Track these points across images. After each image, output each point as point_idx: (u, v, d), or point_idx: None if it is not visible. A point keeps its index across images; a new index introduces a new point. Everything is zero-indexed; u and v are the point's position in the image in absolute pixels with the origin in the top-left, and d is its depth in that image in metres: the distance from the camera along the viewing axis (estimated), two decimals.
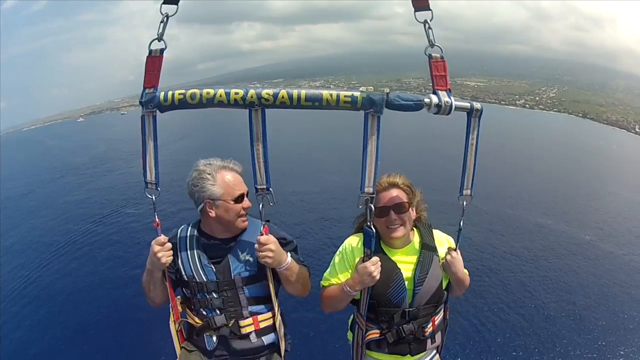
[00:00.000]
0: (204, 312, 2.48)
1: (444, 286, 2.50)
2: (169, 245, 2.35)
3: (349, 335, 2.69)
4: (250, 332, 2.48)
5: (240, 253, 2.43)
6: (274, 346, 2.57)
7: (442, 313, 2.59)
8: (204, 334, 2.50)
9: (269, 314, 2.51)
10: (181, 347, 2.59)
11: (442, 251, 2.49)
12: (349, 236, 2.58)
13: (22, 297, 10.88)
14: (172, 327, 2.55)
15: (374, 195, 2.08)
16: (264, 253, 2.24)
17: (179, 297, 2.57)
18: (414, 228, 2.55)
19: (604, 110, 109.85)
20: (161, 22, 2.07)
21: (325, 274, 2.56)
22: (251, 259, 2.42)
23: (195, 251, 2.45)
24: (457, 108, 2.05)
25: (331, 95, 1.94)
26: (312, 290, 2.63)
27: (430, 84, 2.06)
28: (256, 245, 2.27)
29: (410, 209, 2.41)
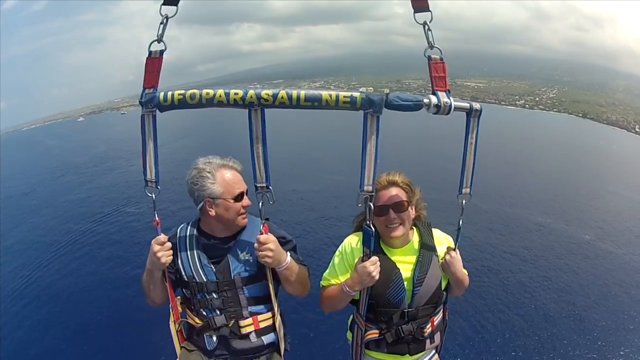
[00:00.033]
0: (204, 313, 2.48)
1: (443, 286, 2.50)
2: (169, 244, 2.35)
3: (349, 335, 2.69)
4: (250, 332, 2.49)
5: (239, 253, 2.44)
6: (274, 346, 2.58)
7: (441, 313, 2.59)
8: (204, 334, 2.51)
9: (269, 314, 2.52)
10: (181, 347, 2.59)
11: (441, 251, 2.50)
12: (348, 235, 2.59)
13: (22, 297, 10.89)
14: (172, 327, 2.56)
15: (373, 194, 2.09)
16: (263, 252, 2.25)
17: (178, 297, 2.57)
18: (414, 227, 2.55)
19: (604, 110, 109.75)
20: (161, 23, 2.08)
21: (324, 274, 2.56)
22: (251, 259, 2.42)
23: (195, 251, 2.45)
24: (456, 108, 2.05)
25: (330, 95, 1.94)
26: (312, 291, 2.63)
27: (430, 85, 2.07)
28: (256, 245, 2.27)
29: (409, 208, 2.40)
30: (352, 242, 2.49)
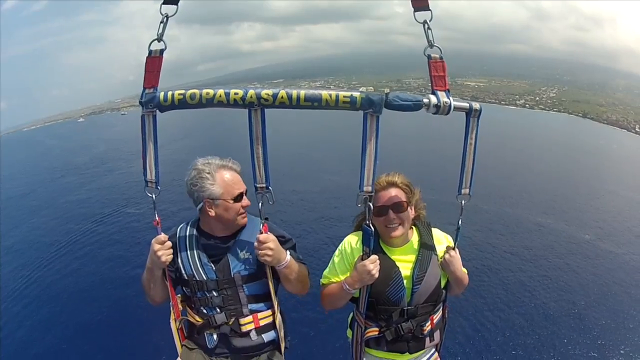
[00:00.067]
0: (204, 311, 2.48)
1: (442, 285, 2.50)
2: (169, 243, 2.35)
3: (349, 333, 2.70)
4: (251, 330, 2.49)
5: (239, 251, 2.44)
6: (274, 343, 2.59)
7: (440, 312, 2.60)
8: (205, 332, 2.51)
9: (269, 312, 2.52)
10: (182, 345, 2.60)
11: (440, 250, 2.50)
12: (348, 235, 2.60)
13: (23, 297, 10.91)
14: (173, 326, 2.56)
15: (373, 194, 2.10)
16: (263, 251, 2.26)
17: (179, 295, 2.58)
18: (413, 226, 2.55)
19: (604, 110, 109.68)
20: (161, 22, 2.07)
21: (324, 272, 2.57)
22: (250, 257, 2.43)
23: (195, 250, 2.45)
24: (456, 108, 2.06)
25: (330, 95, 1.95)
26: (312, 290, 2.64)
27: (430, 85, 2.08)
28: (255, 244, 2.28)
29: (408, 208, 2.41)
30: (352, 241, 2.50)
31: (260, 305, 2.51)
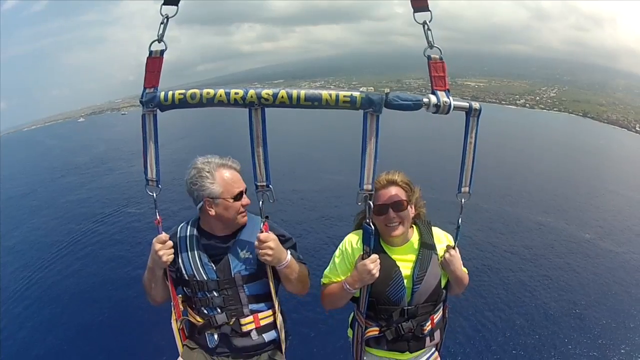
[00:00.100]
0: (205, 311, 2.48)
1: (442, 284, 2.50)
2: (170, 243, 2.36)
3: (349, 332, 2.70)
4: (251, 330, 2.49)
5: (240, 251, 2.44)
6: (275, 343, 2.59)
7: (441, 311, 2.60)
8: (206, 332, 2.51)
9: (270, 312, 2.53)
10: (183, 345, 2.60)
11: (441, 249, 2.50)
12: (349, 234, 2.60)
13: (24, 298, 10.92)
14: (174, 326, 2.56)
15: (373, 193, 2.11)
16: (263, 251, 2.26)
17: (180, 295, 2.57)
18: (413, 225, 2.55)
19: (604, 109, 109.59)
20: (161, 23, 2.08)
21: (325, 272, 2.57)
22: (251, 257, 2.43)
23: (195, 250, 2.45)
24: (456, 108, 2.07)
25: (330, 95, 1.95)
26: (312, 290, 2.64)
27: (430, 85, 2.08)
28: (256, 243, 2.28)
29: (409, 207, 2.41)
30: (353, 240, 2.50)
31: (261, 305, 2.51)
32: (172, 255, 2.37)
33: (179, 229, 2.55)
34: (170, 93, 2.03)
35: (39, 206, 20.99)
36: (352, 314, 2.68)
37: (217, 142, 36.63)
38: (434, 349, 2.68)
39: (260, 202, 2.20)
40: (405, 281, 2.40)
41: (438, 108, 2.01)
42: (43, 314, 10.05)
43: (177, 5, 2.09)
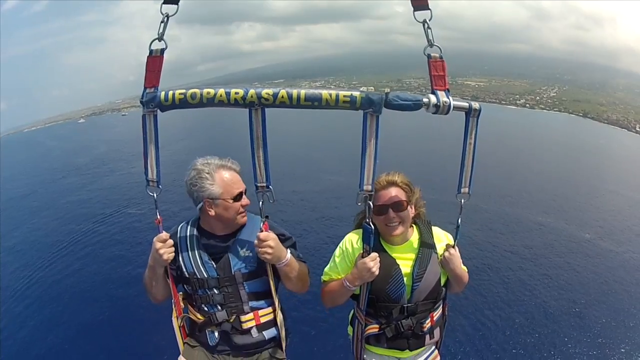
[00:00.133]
0: (206, 308, 2.50)
1: (442, 282, 2.52)
2: (171, 241, 2.38)
3: (349, 330, 2.72)
4: (252, 327, 2.51)
5: (240, 249, 2.46)
6: (275, 340, 2.61)
7: (440, 309, 2.61)
8: (206, 329, 2.53)
9: (270, 309, 2.54)
10: (184, 343, 2.61)
11: (441, 248, 2.51)
12: (349, 233, 2.61)
13: (25, 297, 10.93)
14: (175, 323, 2.58)
15: (373, 193, 2.12)
16: (263, 249, 2.27)
17: (180, 293, 2.59)
18: (413, 225, 2.57)
19: (604, 109, 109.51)
20: (161, 22, 2.08)
21: (325, 270, 2.59)
22: (251, 255, 2.44)
23: (195, 249, 2.47)
24: (456, 108, 2.07)
25: (330, 95, 1.96)
26: (312, 289, 2.66)
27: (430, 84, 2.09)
28: (256, 242, 2.30)
29: (408, 207, 2.42)
30: (353, 239, 2.52)
31: (261, 302, 2.53)
32: (173, 254, 2.39)
33: (179, 228, 2.57)
34: (170, 93, 2.03)
35: (40, 207, 20.98)
36: (352, 312, 2.69)
37: (217, 143, 36.66)
38: (433, 346, 2.70)
39: (260, 203, 2.22)
40: (405, 279, 2.42)
41: (438, 108, 2.01)
42: (44, 313, 10.06)
43: (177, 4, 2.09)
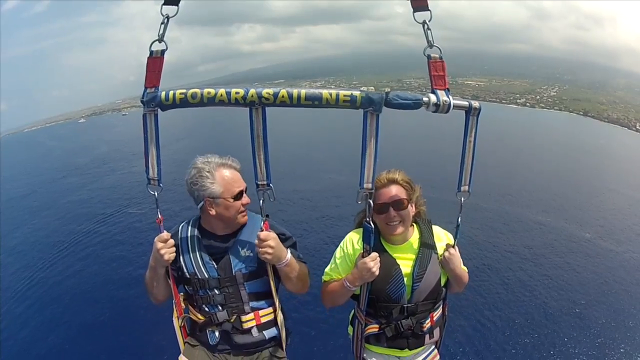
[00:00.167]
0: (206, 309, 2.51)
1: (442, 282, 2.52)
2: (172, 241, 2.38)
3: (350, 329, 2.73)
4: (252, 327, 2.51)
5: (240, 249, 2.47)
6: (276, 340, 2.61)
7: (440, 309, 2.61)
8: (207, 329, 2.53)
9: (270, 309, 2.55)
10: (185, 343, 2.62)
11: (441, 247, 2.51)
12: (349, 232, 2.61)
13: (26, 298, 10.93)
14: (176, 323, 2.59)
15: (373, 191, 2.13)
16: (264, 249, 2.28)
17: (181, 293, 2.59)
18: (414, 224, 2.57)
19: (604, 108, 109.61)
20: (162, 23, 2.08)
21: (326, 270, 2.60)
22: (251, 255, 2.45)
23: (196, 249, 2.48)
24: (455, 107, 2.08)
25: (331, 94, 1.96)
26: (312, 290, 2.66)
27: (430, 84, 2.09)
28: (256, 241, 2.30)
29: (409, 206, 2.42)
30: (354, 238, 2.52)
31: (262, 302, 2.53)
32: (174, 254, 2.39)
33: (180, 228, 2.57)
34: (171, 93, 2.04)
35: (40, 207, 20.94)
36: (352, 312, 2.70)
37: (217, 142, 36.61)
38: (433, 346, 2.70)
39: (261, 201, 2.23)
40: (405, 279, 2.42)
41: (438, 107, 2.02)
42: (44, 314, 10.05)
43: (177, 5, 2.09)
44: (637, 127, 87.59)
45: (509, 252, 13.30)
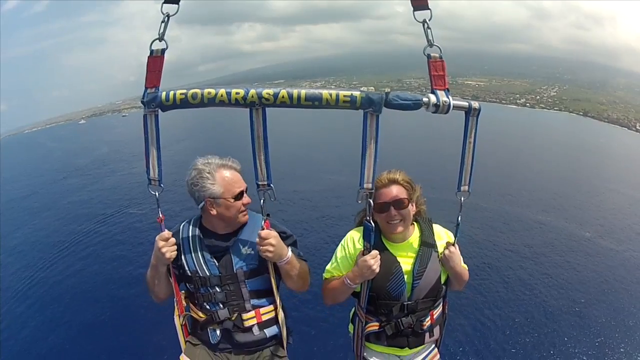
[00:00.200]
0: (208, 307, 2.52)
1: (442, 280, 2.53)
2: (173, 240, 2.40)
3: (350, 327, 2.75)
4: (253, 325, 2.53)
5: (241, 248, 2.48)
6: (277, 338, 2.62)
7: (440, 307, 2.62)
8: (208, 327, 2.55)
9: (271, 307, 2.56)
10: (186, 341, 2.63)
11: (441, 246, 2.53)
12: (350, 231, 2.63)
13: (26, 297, 10.94)
14: (177, 321, 2.60)
15: (373, 191, 2.14)
16: (264, 247, 2.29)
17: (182, 291, 2.61)
18: (414, 222, 2.58)
19: (604, 108, 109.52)
20: (162, 22, 2.08)
21: (327, 267, 2.61)
22: (252, 253, 2.46)
23: (197, 248, 2.49)
24: (455, 107, 2.08)
25: (331, 94, 1.97)
26: (312, 289, 2.68)
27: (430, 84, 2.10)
28: (257, 240, 2.31)
29: (410, 205, 2.44)
30: (355, 237, 2.53)
31: (263, 300, 2.54)
32: (175, 252, 2.41)
33: (181, 227, 2.58)
34: (171, 93, 2.04)
35: (41, 207, 20.95)
36: (353, 310, 2.72)
37: (218, 143, 36.64)
38: (433, 345, 2.71)
39: (262, 201, 2.24)
40: (405, 276, 2.44)
41: (437, 108, 2.02)
42: (45, 314, 10.06)
43: (177, 4, 2.09)
44: (637, 127, 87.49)
45: (509, 251, 13.30)
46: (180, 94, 2.03)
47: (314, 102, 1.97)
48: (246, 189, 2.48)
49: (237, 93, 1.98)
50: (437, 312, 2.59)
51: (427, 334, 2.57)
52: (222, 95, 1.98)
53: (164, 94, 2.06)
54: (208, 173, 2.37)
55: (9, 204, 22.36)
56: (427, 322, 2.53)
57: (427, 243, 2.50)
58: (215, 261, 2.47)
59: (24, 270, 12.53)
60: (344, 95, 1.97)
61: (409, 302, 2.47)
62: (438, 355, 2.74)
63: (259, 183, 2.20)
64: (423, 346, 2.63)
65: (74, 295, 10.84)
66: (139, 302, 9.15)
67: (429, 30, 2.03)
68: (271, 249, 2.29)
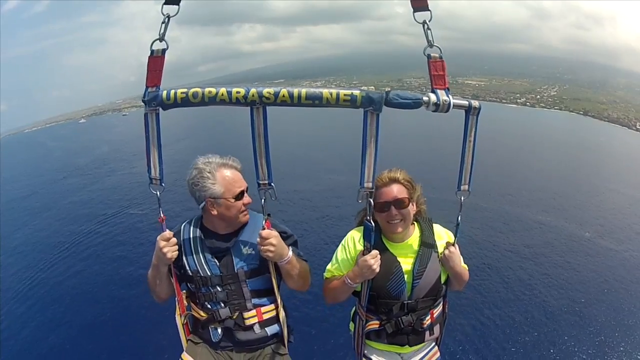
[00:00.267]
0: (209, 306, 2.52)
1: (442, 280, 2.54)
2: (174, 240, 2.39)
3: (351, 326, 2.76)
4: (254, 324, 2.53)
5: (242, 247, 2.48)
6: (278, 337, 2.63)
7: (441, 306, 2.63)
8: (209, 326, 2.55)
9: (272, 306, 2.56)
10: (187, 340, 2.63)
11: (441, 245, 2.53)
12: (351, 230, 2.63)
13: (27, 298, 10.94)
14: (178, 321, 2.60)
15: (373, 190, 2.14)
16: (265, 247, 2.29)
17: (184, 291, 2.61)
18: (414, 222, 2.59)
19: (604, 107, 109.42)
20: (162, 22, 2.08)
21: (328, 267, 2.62)
22: (253, 253, 2.47)
23: (199, 248, 2.49)
24: (455, 106, 2.08)
25: (331, 93, 1.97)
26: (313, 289, 2.68)
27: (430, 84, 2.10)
28: (258, 239, 2.32)
29: (410, 204, 2.44)
30: (355, 236, 2.54)
31: (264, 299, 2.55)
32: (177, 252, 2.40)
33: (182, 227, 2.58)
34: (172, 92, 2.05)
35: (41, 207, 20.95)
36: (353, 308, 2.73)
37: (218, 142, 36.63)
38: (433, 343, 2.72)
39: (263, 200, 2.24)
40: (405, 276, 2.44)
41: (437, 106, 2.02)
42: (45, 314, 10.06)
43: (178, 4, 2.09)
44: (637, 127, 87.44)
45: (509, 251, 13.31)
46: (182, 92, 2.03)
47: (315, 101, 1.97)
48: (247, 188, 2.48)
49: (238, 92, 1.98)
50: (437, 311, 2.59)
51: (427, 332, 2.58)
52: (223, 94, 1.98)
53: (165, 92, 2.06)
54: (209, 172, 2.37)
55: (9, 204, 22.36)
56: (427, 321, 2.54)
57: (427, 243, 2.51)
58: (217, 261, 2.47)
59: (25, 271, 12.54)
60: (345, 94, 1.97)
61: (409, 301, 2.47)
62: (438, 354, 2.74)
63: (260, 182, 2.20)
64: (423, 344, 2.64)
65: (74, 296, 10.85)
66: (140, 302, 9.16)
67: (429, 31, 2.04)
68: (272, 249, 2.30)
